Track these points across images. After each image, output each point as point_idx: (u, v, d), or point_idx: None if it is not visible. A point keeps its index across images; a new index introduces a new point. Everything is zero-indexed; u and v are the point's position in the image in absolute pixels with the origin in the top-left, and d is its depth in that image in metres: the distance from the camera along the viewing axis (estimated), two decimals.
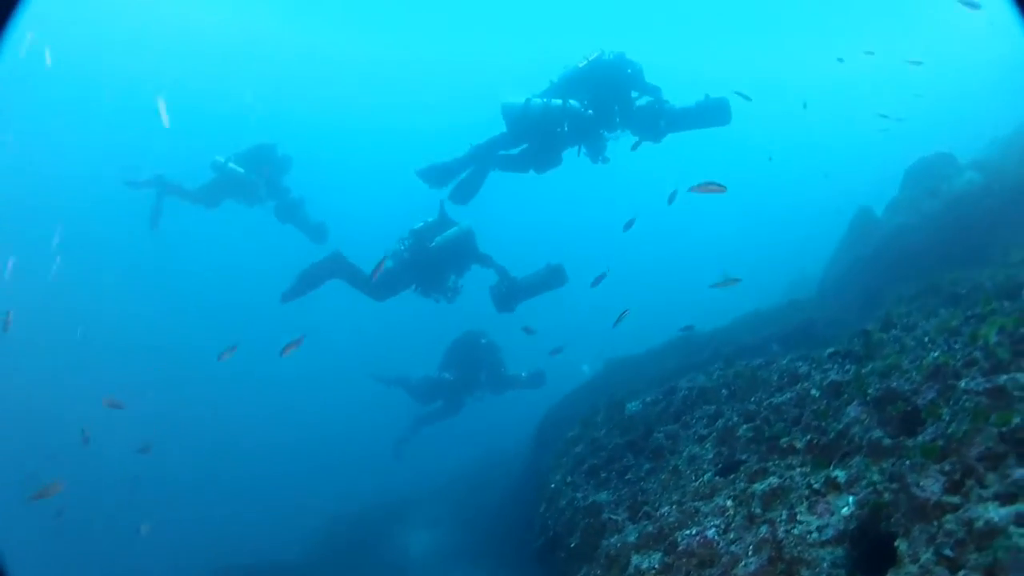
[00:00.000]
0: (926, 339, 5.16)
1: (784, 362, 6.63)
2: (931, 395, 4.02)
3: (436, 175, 11.29)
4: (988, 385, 3.70)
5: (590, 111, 10.41)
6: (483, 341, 16.23)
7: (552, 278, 11.68)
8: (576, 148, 10.88)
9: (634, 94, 10.67)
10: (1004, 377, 3.68)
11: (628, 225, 12.44)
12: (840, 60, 19.76)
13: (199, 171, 13.97)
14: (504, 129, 10.98)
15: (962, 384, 3.86)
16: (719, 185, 7.98)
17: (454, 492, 18.30)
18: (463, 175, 11.46)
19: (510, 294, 11.58)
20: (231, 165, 13.59)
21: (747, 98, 11.34)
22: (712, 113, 10.42)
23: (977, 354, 4.05)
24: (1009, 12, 2.54)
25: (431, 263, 11.60)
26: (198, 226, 20.54)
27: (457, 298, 12.38)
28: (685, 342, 12.72)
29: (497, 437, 19.34)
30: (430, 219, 11.81)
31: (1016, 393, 3.52)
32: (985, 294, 5.32)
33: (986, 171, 11.51)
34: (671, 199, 11.60)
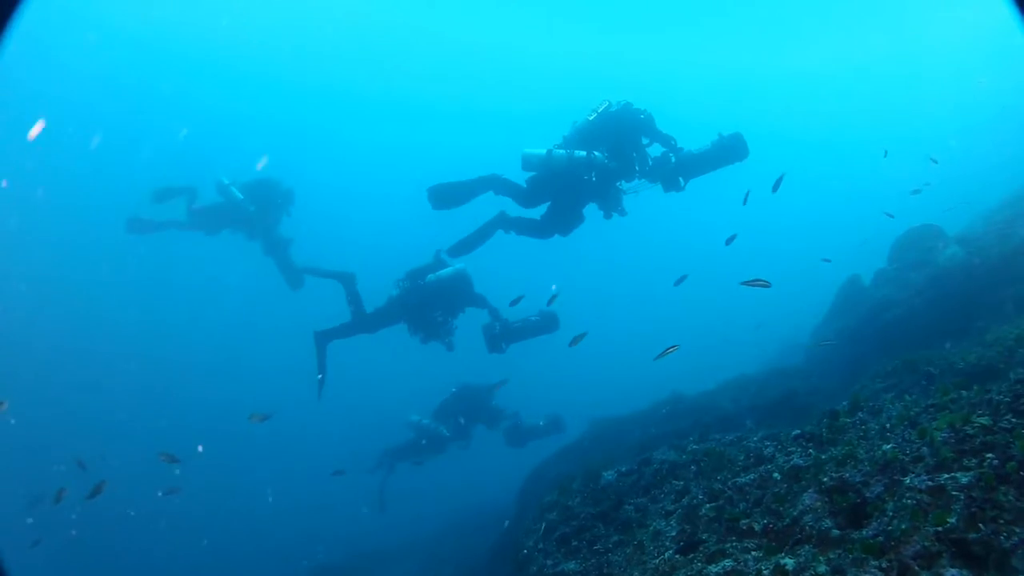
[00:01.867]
0: (888, 425, 5.24)
1: (755, 439, 6.73)
2: (879, 489, 4.10)
3: (444, 196, 10.70)
4: (930, 483, 3.78)
5: (613, 163, 10.24)
6: (481, 393, 16.25)
7: (546, 324, 11.83)
8: (594, 203, 10.71)
9: (644, 140, 10.55)
10: (945, 476, 3.76)
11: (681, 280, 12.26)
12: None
13: None
14: (522, 181, 10.69)
15: (907, 480, 3.94)
16: (765, 281, 7.96)
17: (442, 545, 18.23)
18: (470, 231, 11.07)
19: (502, 335, 11.68)
20: (233, 189, 13.73)
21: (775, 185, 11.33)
22: (729, 151, 10.25)
23: (924, 450, 4.13)
24: (1009, 12, 2.55)
25: (423, 300, 11.64)
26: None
27: (453, 343, 12.33)
28: (670, 405, 12.84)
29: (489, 486, 19.31)
30: (425, 263, 11.95)
31: (954, 493, 3.59)
32: (943, 386, 5.38)
33: (969, 246, 11.66)
34: (679, 281, 11.65)
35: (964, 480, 3.65)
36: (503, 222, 10.80)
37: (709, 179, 10.76)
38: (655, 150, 10.64)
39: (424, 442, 16.46)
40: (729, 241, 11.80)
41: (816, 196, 50.27)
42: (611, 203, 10.67)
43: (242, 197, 13.72)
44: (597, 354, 15.32)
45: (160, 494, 13.73)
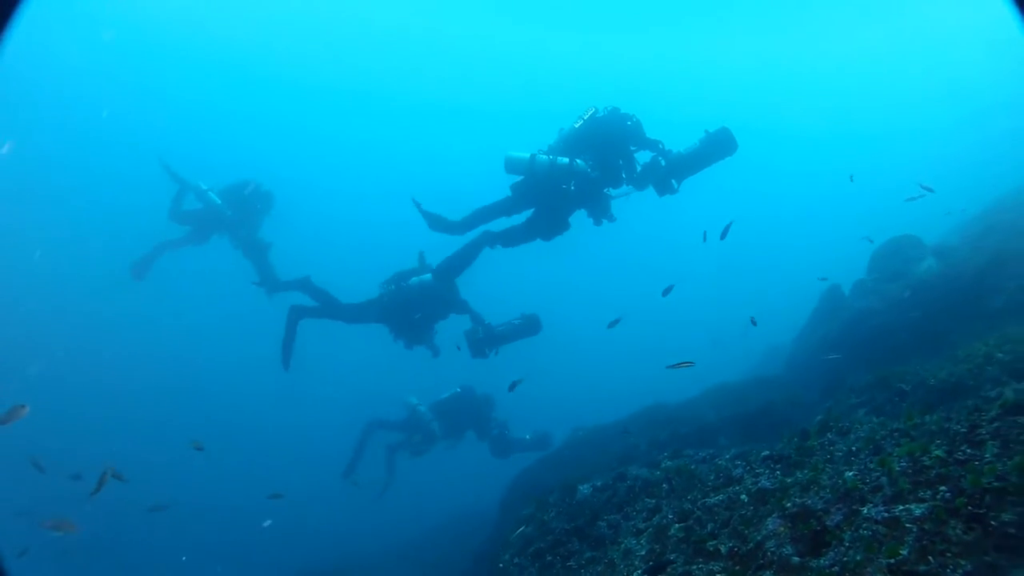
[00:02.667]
0: (854, 448, 5.32)
1: (726, 457, 6.82)
2: (838, 517, 4.17)
3: (435, 223, 10.95)
4: (886, 514, 3.85)
5: (596, 172, 10.13)
6: (480, 401, 16.26)
7: (527, 327, 11.86)
8: (582, 210, 10.57)
9: (632, 147, 10.43)
10: (900, 508, 3.83)
11: (669, 291, 11.98)
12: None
13: None
14: (506, 188, 10.61)
15: (865, 511, 4.01)
16: (689, 362, 7.92)
17: (427, 550, 18.23)
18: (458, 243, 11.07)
19: (485, 340, 11.71)
20: (211, 195, 13.74)
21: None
22: (718, 147, 10.15)
23: (884, 480, 4.20)
24: (1009, 12, 2.54)
25: (404, 301, 11.65)
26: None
27: (438, 348, 12.42)
28: (650, 414, 12.92)
29: (474, 490, 19.29)
30: (410, 266, 12.00)
31: (908, 525, 3.66)
32: (908, 411, 5.47)
33: (945, 258, 11.78)
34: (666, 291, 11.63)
35: (917, 512, 3.72)
36: (488, 240, 10.74)
37: (695, 180, 10.65)
38: (644, 156, 10.56)
39: (416, 437, 16.36)
40: (666, 292, 11.75)
41: (812, 191, 50.45)
42: (600, 210, 10.60)
43: (220, 202, 13.73)
44: (582, 359, 15.24)
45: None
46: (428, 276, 11.65)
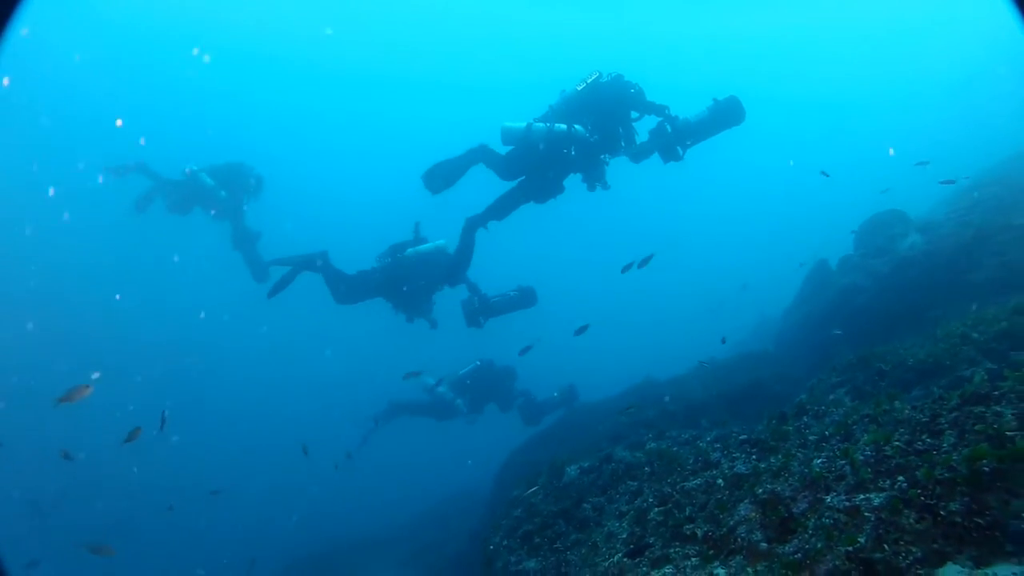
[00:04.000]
0: (827, 433, 5.48)
1: (707, 439, 7.01)
2: (804, 505, 4.33)
3: (438, 177, 10.60)
4: (847, 503, 4.01)
5: (595, 136, 10.07)
6: (500, 372, 16.27)
7: (523, 299, 12.03)
8: (577, 175, 10.50)
9: (634, 114, 10.32)
10: (861, 497, 3.99)
11: (629, 267, 11.70)
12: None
13: None
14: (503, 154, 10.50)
15: (828, 499, 4.17)
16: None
17: (422, 531, 18.45)
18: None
19: (480, 310, 11.85)
20: (202, 175, 13.87)
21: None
22: (726, 115, 10.04)
23: (847, 469, 4.36)
24: (1009, 12, 2.55)
25: (402, 274, 11.72)
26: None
27: (435, 320, 12.52)
28: (640, 391, 13.10)
29: (470, 471, 19.44)
30: (404, 239, 12.01)
31: (867, 514, 3.82)
32: (878, 398, 5.62)
33: (930, 234, 11.89)
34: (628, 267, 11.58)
35: (876, 502, 3.87)
36: (476, 224, 10.70)
37: (694, 151, 10.55)
38: (646, 126, 10.48)
39: (438, 408, 16.39)
40: (643, 264, 11.62)
41: (813, 159, 50.42)
42: (595, 175, 10.55)
43: (212, 183, 13.87)
44: (578, 334, 15.30)
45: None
46: (425, 247, 11.75)
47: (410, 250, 11.76)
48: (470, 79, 54.78)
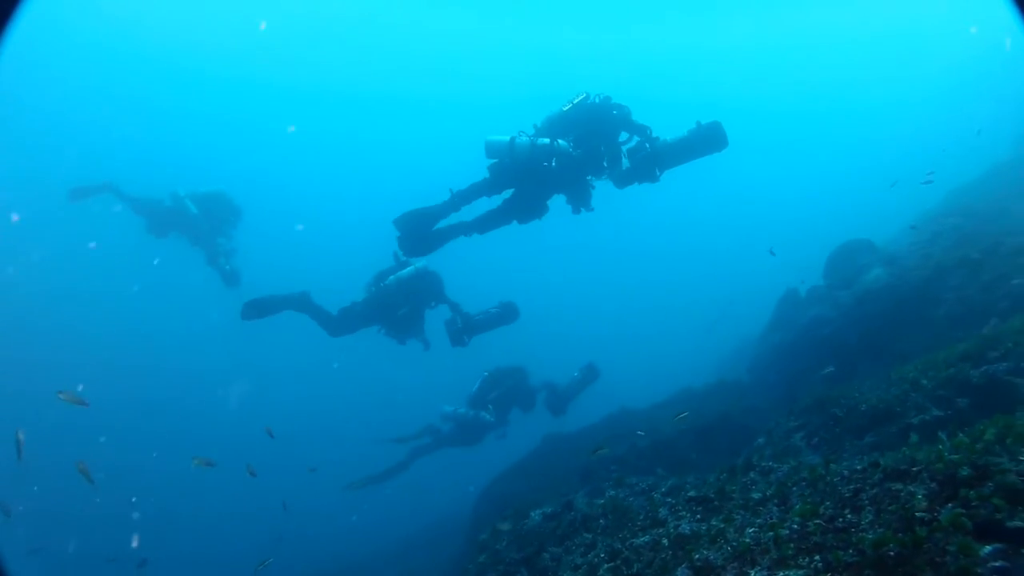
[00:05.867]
0: (768, 493, 5.67)
1: (662, 490, 7.20)
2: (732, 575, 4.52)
3: (413, 227, 10.51)
4: None
5: (578, 151, 10.02)
6: (511, 373, 16.04)
7: (505, 315, 12.21)
8: (561, 196, 10.50)
9: (623, 136, 10.32)
10: (781, 574, 4.18)
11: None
12: None
13: None
14: (485, 172, 10.48)
15: (752, 573, 4.35)
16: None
17: (411, 555, 18.50)
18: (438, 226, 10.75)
19: (464, 329, 12.00)
20: (188, 201, 14.07)
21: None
22: (707, 141, 9.90)
23: (771, 544, 4.55)
24: (1009, 12, 2.60)
25: (389, 301, 11.89)
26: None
27: (428, 340, 12.68)
28: (614, 423, 13.32)
29: (455, 491, 19.47)
30: (387, 266, 12.20)
31: None
32: (812, 465, 5.82)
33: (893, 267, 12.13)
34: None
35: None
36: (463, 229, 10.65)
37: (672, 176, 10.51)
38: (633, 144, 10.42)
39: (467, 431, 16.02)
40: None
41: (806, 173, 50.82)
42: (579, 197, 10.58)
43: (196, 211, 14.08)
44: (555, 359, 15.48)
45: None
46: (406, 272, 11.93)
47: (391, 278, 11.96)
48: (457, 96, 54.99)
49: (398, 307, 11.98)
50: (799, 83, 53.76)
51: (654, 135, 10.19)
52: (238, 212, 14.83)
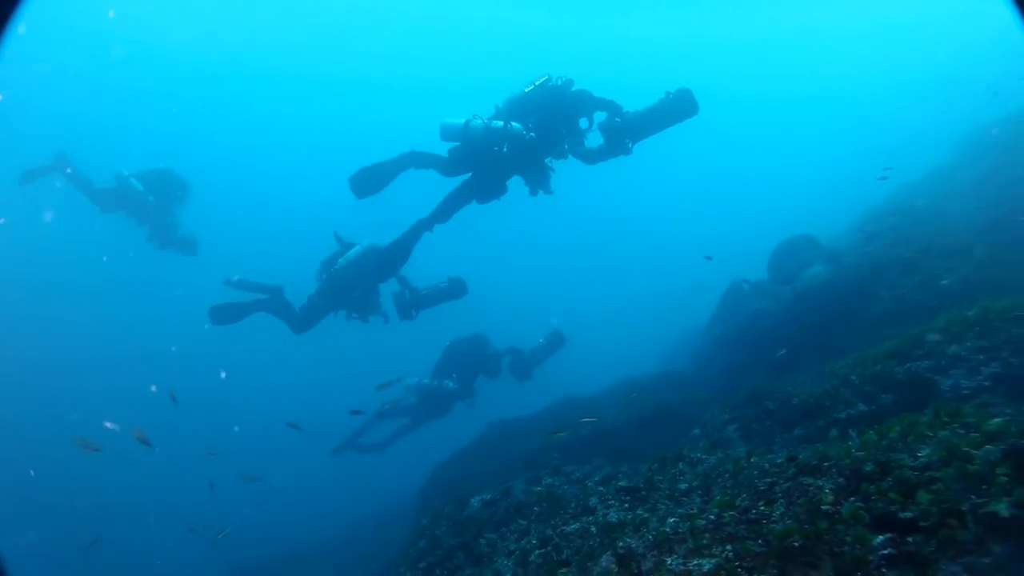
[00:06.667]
0: (694, 484, 5.88)
1: (596, 479, 7.42)
2: (650, 564, 4.69)
3: (366, 182, 10.56)
4: (683, 567, 4.38)
5: (532, 134, 9.96)
6: (471, 342, 15.98)
7: (453, 290, 12.23)
8: (521, 178, 10.49)
9: (584, 123, 10.28)
10: (695, 562, 4.37)
11: None
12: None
13: None
14: (443, 151, 10.44)
15: (669, 560, 4.54)
16: None
17: (360, 541, 18.39)
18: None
19: (412, 302, 12.05)
20: (133, 180, 13.97)
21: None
22: (677, 108, 9.75)
23: (688, 533, 4.74)
24: (1009, 12, 2.57)
25: (343, 284, 11.83)
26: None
27: (388, 315, 12.51)
28: (558, 411, 13.53)
29: (400, 479, 19.42)
30: (332, 251, 12.17)
31: None
32: (736, 458, 6.02)
33: (833, 263, 12.44)
34: None
35: (706, 567, 4.25)
36: (425, 226, 10.78)
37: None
38: (598, 118, 10.27)
39: (431, 402, 15.97)
40: None
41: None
42: (537, 179, 10.60)
43: (142, 188, 13.98)
44: (511, 340, 15.51)
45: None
46: (353, 252, 11.90)
47: (341, 261, 11.92)
48: (413, 80, 54.71)
49: (353, 289, 11.92)
50: (773, 76, 54.23)
51: (622, 108, 10.10)
52: (186, 187, 14.74)
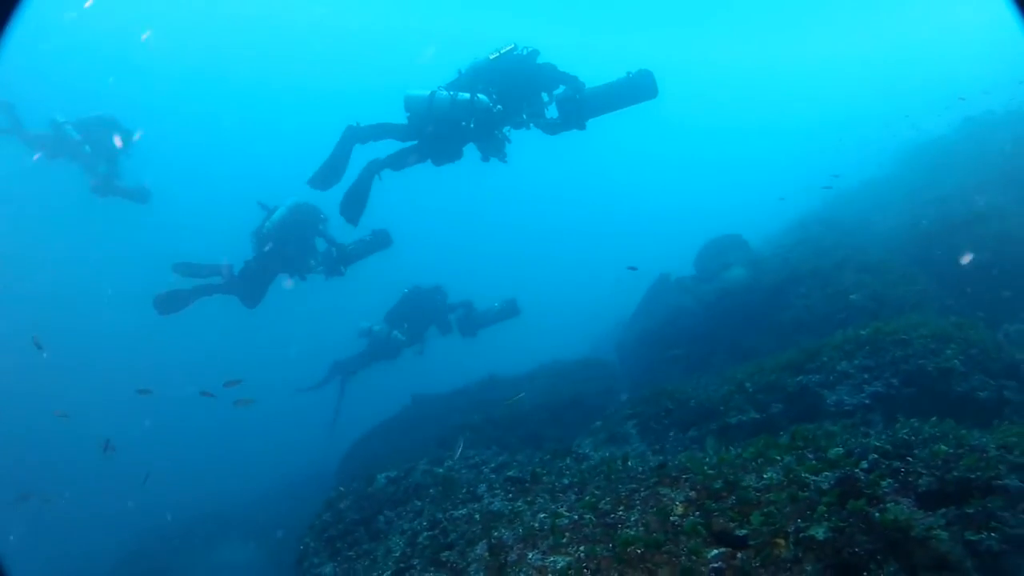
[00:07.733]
0: (575, 480, 6.19)
1: (492, 466, 7.72)
2: (514, 557, 5.00)
3: (323, 176, 10.75)
4: (540, 563, 4.69)
5: (498, 107, 10.03)
6: (430, 293, 16.02)
7: (378, 242, 12.36)
8: (477, 143, 10.57)
9: (545, 97, 10.36)
10: (551, 559, 4.67)
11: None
12: None
13: None
14: (403, 120, 10.47)
15: (530, 555, 4.85)
16: None
17: (272, 510, 18.49)
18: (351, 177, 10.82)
19: (339, 259, 12.24)
20: (68, 128, 13.77)
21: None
22: (636, 89, 9.80)
23: (553, 530, 5.04)
24: (1009, 12, 2.56)
25: (275, 247, 11.96)
26: None
27: (336, 269, 12.63)
28: (484, 390, 13.83)
29: (314, 457, 19.43)
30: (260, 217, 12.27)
31: (550, 575, 4.51)
32: (612, 459, 6.35)
33: (755, 268, 12.84)
34: None
35: (559, 565, 4.56)
36: (376, 168, 10.65)
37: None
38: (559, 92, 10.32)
39: (379, 349, 15.94)
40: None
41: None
42: (492, 147, 10.69)
43: (78, 137, 13.80)
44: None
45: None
46: (278, 213, 12.03)
47: (266, 223, 12.03)
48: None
49: (285, 246, 12.06)
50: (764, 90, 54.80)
51: (582, 84, 10.18)
52: (128, 136, 14.53)
